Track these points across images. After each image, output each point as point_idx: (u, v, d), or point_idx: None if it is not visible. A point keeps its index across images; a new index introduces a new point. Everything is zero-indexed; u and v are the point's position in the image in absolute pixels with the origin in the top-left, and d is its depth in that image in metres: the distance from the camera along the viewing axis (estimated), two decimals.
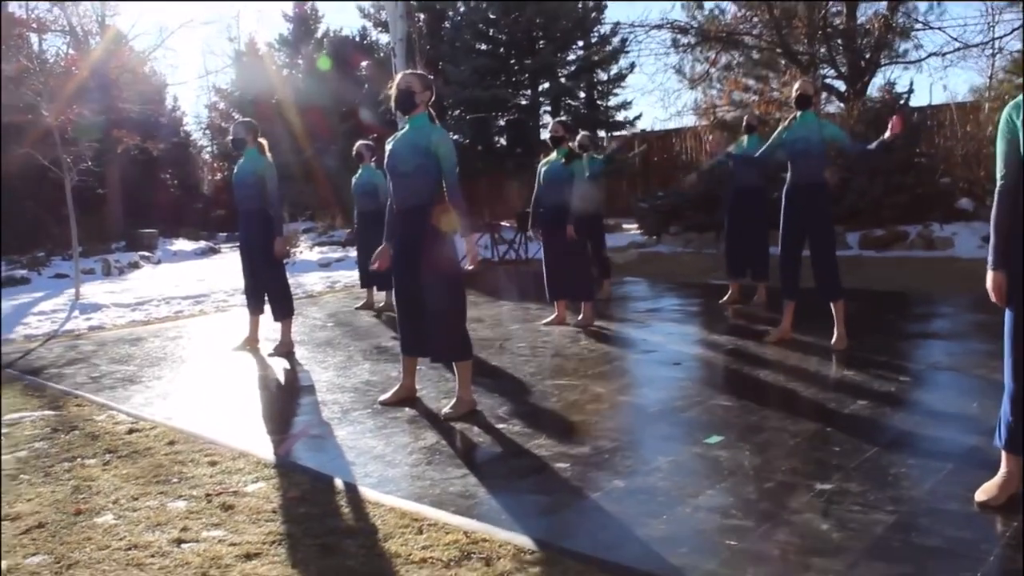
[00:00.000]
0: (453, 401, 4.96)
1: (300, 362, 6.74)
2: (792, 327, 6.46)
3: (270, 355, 6.97)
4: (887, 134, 5.86)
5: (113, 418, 5.25)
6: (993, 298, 3.22)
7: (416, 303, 4.84)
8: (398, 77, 4.93)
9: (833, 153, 6.24)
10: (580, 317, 7.68)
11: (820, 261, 6.13)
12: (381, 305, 9.40)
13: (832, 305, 6.17)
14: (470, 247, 4.91)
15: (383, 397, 5.31)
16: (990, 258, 3.23)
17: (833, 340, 6.16)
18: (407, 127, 4.89)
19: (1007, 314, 3.19)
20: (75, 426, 5.09)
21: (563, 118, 7.97)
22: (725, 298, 8.65)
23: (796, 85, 6.41)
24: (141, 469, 4.18)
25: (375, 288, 9.55)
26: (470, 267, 4.97)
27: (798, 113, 6.21)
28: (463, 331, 4.91)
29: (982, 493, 3.26)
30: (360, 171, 9.39)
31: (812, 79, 6.17)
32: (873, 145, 6.20)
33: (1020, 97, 3.06)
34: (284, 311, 7.08)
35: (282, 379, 6.26)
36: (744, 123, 8.73)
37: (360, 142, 9.64)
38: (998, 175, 3.18)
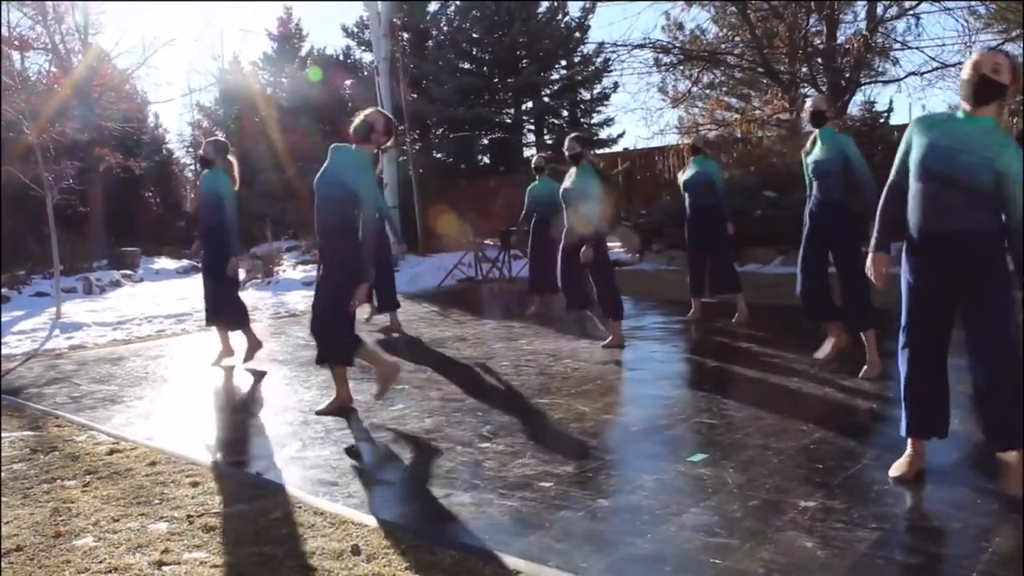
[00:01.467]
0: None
1: (283, 381, 6.71)
2: (879, 354, 5.90)
3: (245, 365, 7.12)
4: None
5: (93, 438, 5.20)
6: (872, 278, 3.70)
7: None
8: (369, 110, 5.54)
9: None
10: (610, 338, 7.45)
11: (847, 286, 5.79)
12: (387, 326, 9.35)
13: (863, 335, 5.83)
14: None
15: (318, 408, 5.61)
16: (872, 243, 3.75)
17: (864, 369, 5.79)
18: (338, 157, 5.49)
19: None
20: (55, 447, 5.04)
21: (577, 134, 7.84)
22: (688, 315, 8.74)
23: (809, 103, 6.10)
24: (122, 490, 4.14)
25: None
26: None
27: (816, 132, 5.97)
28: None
29: (895, 470, 3.76)
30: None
31: (824, 95, 5.87)
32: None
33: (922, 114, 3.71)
34: (237, 320, 7.24)
35: (265, 399, 6.22)
36: (691, 145, 8.86)
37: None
38: (891, 173, 3.74)
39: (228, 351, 7.47)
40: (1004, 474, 3.57)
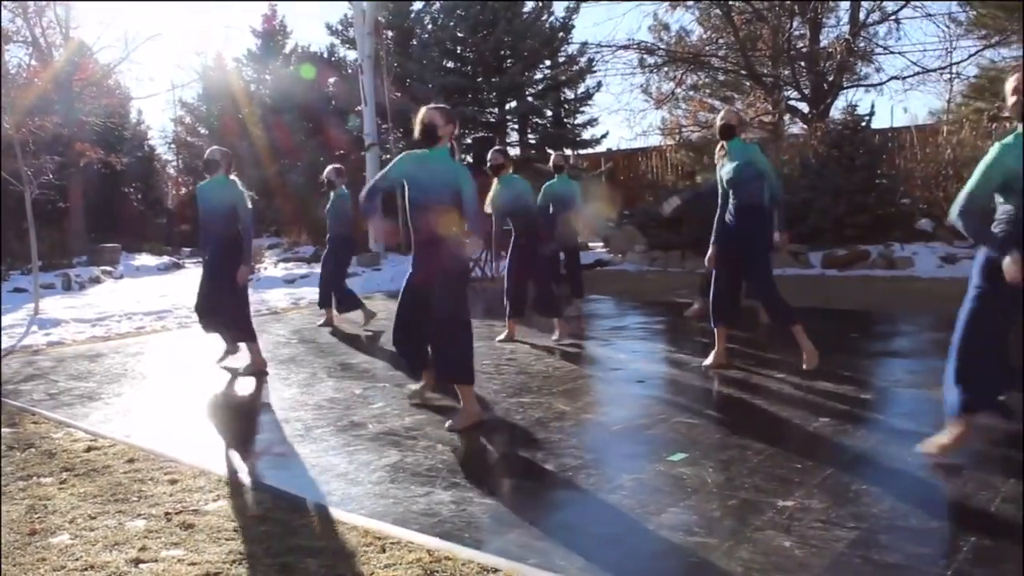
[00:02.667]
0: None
1: (263, 379, 6.67)
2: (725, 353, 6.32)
3: (241, 374, 6.86)
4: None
5: (71, 435, 5.16)
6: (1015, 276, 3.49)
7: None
8: (422, 111, 5.10)
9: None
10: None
11: (757, 287, 6.10)
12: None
13: (792, 329, 5.98)
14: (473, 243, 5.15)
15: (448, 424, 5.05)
16: (996, 251, 3.58)
17: (804, 361, 5.94)
18: (427, 158, 5.04)
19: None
20: (31, 444, 5.00)
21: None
22: (689, 311, 8.80)
23: (720, 115, 6.26)
24: (99, 488, 4.11)
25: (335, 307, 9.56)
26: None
27: (724, 144, 6.13)
28: (471, 352, 5.08)
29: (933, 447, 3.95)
30: (333, 196, 9.45)
31: (737, 109, 6.03)
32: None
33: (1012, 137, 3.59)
34: (247, 335, 6.98)
35: (244, 396, 6.19)
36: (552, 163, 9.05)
37: (330, 168, 9.65)
38: (974, 188, 3.66)
39: (261, 362, 7.24)
40: None
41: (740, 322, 6.54)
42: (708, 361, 6.33)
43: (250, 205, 6.91)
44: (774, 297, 6.01)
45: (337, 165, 9.82)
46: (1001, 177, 3.59)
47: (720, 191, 6.20)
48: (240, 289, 6.86)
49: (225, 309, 6.90)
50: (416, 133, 5.11)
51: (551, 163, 9.60)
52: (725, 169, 6.10)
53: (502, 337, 7.87)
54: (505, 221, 7.76)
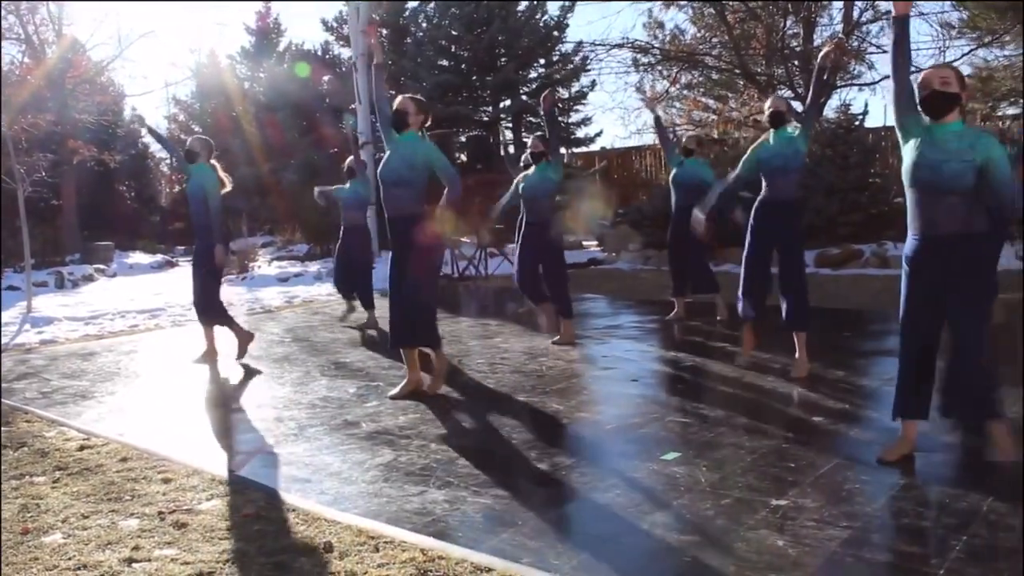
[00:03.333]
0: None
1: (257, 378, 6.67)
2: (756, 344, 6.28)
3: (238, 360, 7.04)
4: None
5: (64, 434, 5.15)
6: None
7: (407, 299, 5.57)
8: (398, 99, 5.62)
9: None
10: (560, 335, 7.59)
11: (791, 285, 5.84)
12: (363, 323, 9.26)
13: (795, 335, 5.90)
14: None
15: (392, 392, 5.77)
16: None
17: (794, 368, 5.88)
18: (395, 141, 5.60)
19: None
20: (24, 442, 4.98)
21: (541, 133, 7.79)
22: (671, 315, 8.75)
23: (768, 103, 6.07)
24: (92, 487, 4.11)
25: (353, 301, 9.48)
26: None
27: (772, 131, 5.92)
28: (435, 322, 5.75)
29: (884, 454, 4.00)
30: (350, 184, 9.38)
31: (782, 96, 5.88)
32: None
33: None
34: (221, 317, 7.24)
35: (238, 395, 6.19)
36: (683, 147, 8.69)
37: (352, 157, 9.57)
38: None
39: (213, 352, 7.36)
40: (994, 443, 3.83)
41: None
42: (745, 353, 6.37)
43: (225, 188, 7.15)
44: (804, 298, 5.83)
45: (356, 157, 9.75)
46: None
47: (742, 174, 6.03)
48: (216, 271, 7.09)
49: (202, 296, 7.18)
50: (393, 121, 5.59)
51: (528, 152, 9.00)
52: (768, 154, 5.85)
53: (556, 339, 7.59)
54: (526, 210, 7.55)
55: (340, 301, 9.68)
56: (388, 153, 5.62)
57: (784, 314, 5.90)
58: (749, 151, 6.07)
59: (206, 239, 7.00)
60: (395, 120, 5.56)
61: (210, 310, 7.22)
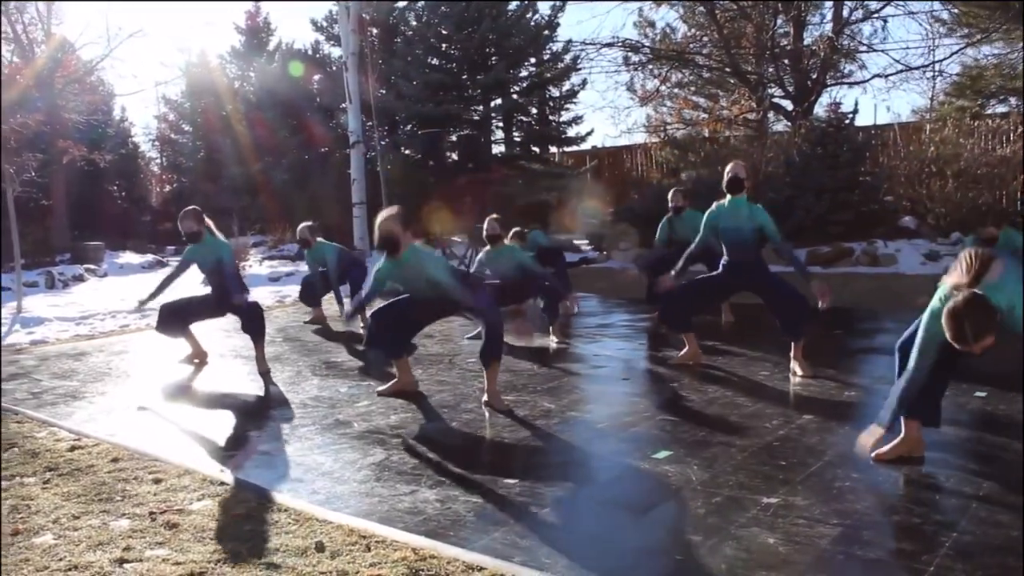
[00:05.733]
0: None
1: (248, 377, 6.66)
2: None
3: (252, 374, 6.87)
4: (820, 304, 5.77)
5: (54, 435, 5.13)
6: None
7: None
8: (380, 224, 5.33)
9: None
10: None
11: (785, 305, 5.94)
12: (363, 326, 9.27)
13: (795, 344, 5.98)
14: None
15: (380, 388, 5.89)
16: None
17: (798, 369, 5.94)
18: (407, 258, 5.35)
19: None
20: (14, 443, 4.97)
21: (495, 216, 7.83)
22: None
23: (728, 168, 6.12)
24: (83, 487, 4.09)
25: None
26: None
27: (728, 197, 6.04)
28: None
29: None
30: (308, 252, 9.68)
31: (742, 164, 6.05)
32: (797, 265, 6.08)
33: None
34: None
35: (229, 395, 6.17)
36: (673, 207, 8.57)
37: (302, 226, 9.72)
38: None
39: (200, 352, 7.35)
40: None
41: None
42: (680, 356, 6.50)
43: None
44: (803, 312, 5.91)
45: (310, 223, 9.89)
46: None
47: (701, 238, 6.24)
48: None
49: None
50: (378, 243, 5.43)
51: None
52: (727, 225, 6.03)
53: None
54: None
55: (328, 299, 9.67)
56: (398, 276, 5.49)
57: (781, 325, 6.03)
58: (706, 215, 6.22)
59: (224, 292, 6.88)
60: (388, 247, 5.32)
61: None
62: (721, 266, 6.21)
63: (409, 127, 20.60)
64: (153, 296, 6.89)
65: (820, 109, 16.60)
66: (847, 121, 13.49)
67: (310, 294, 9.83)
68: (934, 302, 3.68)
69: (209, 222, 6.92)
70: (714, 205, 6.18)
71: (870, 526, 3.24)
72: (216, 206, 18.92)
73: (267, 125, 22.88)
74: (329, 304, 9.68)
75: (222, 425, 5.33)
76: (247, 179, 22.53)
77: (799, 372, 5.92)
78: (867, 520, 3.29)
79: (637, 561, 3.02)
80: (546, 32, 20.59)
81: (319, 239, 9.70)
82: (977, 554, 2.95)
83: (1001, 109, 16.99)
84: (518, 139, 20.92)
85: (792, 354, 6.01)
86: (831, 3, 17.61)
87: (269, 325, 9.52)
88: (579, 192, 17.80)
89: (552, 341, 7.65)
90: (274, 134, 22.66)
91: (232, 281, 6.81)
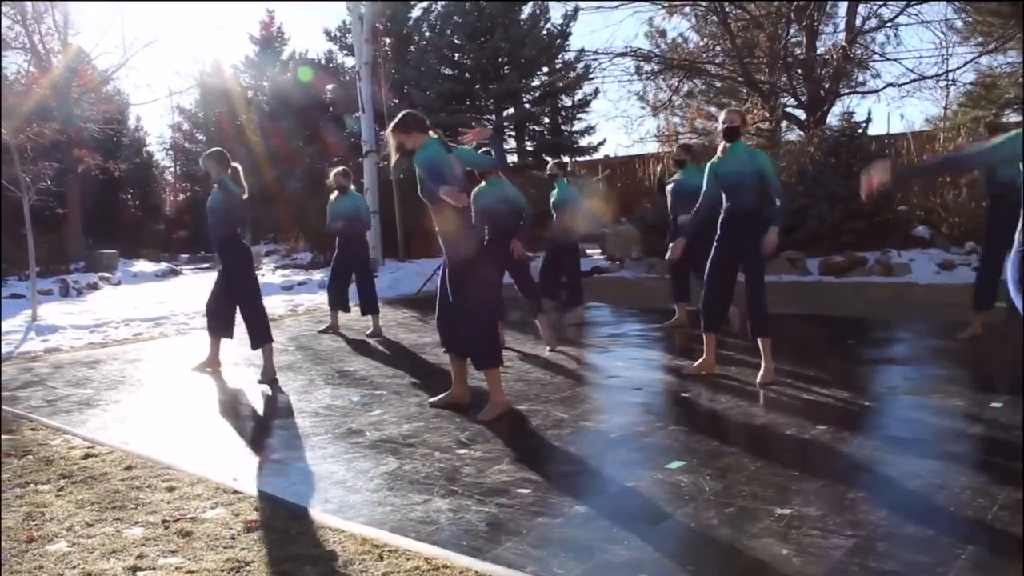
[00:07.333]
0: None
1: (261, 386, 6.67)
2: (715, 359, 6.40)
3: (259, 381, 6.85)
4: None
5: (68, 442, 5.16)
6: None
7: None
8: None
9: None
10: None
11: (753, 294, 5.98)
12: (370, 331, 9.25)
13: (760, 341, 5.99)
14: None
15: (432, 399, 5.80)
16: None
17: (760, 375, 5.98)
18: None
19: None
20: (29, 451, 4.99)
21: (487, 148, 7.95)
22: (671, 321, 8.83)
23: (722, 117, 6.20)
24: (96, 495, 4.11)
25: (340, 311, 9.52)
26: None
27: (726, 144, 6.05)
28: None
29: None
30: (343, 198, 9.32)
31: (738, 109, 6.17)
32: (778, 215, 6.03)
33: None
34: (261, 338, 7.03)
35: (242, 403, 6.19)
36: (673, 159, 8.82)
37: (336, 171, 9.52)
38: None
39: (215, 361, 7.37)
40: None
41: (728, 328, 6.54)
42: (695, 365, 6.42)
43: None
44: (764, 305, 5.98)
45: (342, 168, 9.75)
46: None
47: (707, 188, 6.17)
48: (253, 289, 7.20)
49: (244, 312, 7.15)
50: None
51: (547, 172, 9.45)
52: (726, 170, 6.02)
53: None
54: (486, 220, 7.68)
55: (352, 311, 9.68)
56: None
57: (749, 322, 6.08)
58: (708, 167, 6.21)
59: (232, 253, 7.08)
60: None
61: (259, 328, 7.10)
62: (719, 226, 6.10)
63: None
64: None
65: (833, 118, 16.60)
66: (860, 130, 13.47)
67: (341, 281, 9.49)
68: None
69: (237, 166, 7.28)
70: (715, 156, 6.21)
71: (884, 537, 3.22)
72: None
73: (280, 134, 23.01)
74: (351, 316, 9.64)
75: (235, 433, 5.34)
76: (260, 188, 22.61)
77: (762, 379, 5.94)
78: (881, 531, 3.27)
79: (649, 572, 3.01)
80: (558, 42, 20.67)
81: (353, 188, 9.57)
82: (994, 566, 2.93)
83: (1016, 118, 16.92)
84: (530, 148, 20.96)
85: (762, 357, 6.01)
86: (844, 12, 17.61)
87: (281, 334, 9.57)
88: (590, 194, 17.81)
89: (547, 349, 7.65)
90: (288, 143, 22.77)
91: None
